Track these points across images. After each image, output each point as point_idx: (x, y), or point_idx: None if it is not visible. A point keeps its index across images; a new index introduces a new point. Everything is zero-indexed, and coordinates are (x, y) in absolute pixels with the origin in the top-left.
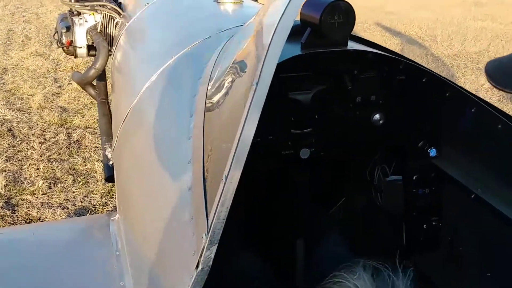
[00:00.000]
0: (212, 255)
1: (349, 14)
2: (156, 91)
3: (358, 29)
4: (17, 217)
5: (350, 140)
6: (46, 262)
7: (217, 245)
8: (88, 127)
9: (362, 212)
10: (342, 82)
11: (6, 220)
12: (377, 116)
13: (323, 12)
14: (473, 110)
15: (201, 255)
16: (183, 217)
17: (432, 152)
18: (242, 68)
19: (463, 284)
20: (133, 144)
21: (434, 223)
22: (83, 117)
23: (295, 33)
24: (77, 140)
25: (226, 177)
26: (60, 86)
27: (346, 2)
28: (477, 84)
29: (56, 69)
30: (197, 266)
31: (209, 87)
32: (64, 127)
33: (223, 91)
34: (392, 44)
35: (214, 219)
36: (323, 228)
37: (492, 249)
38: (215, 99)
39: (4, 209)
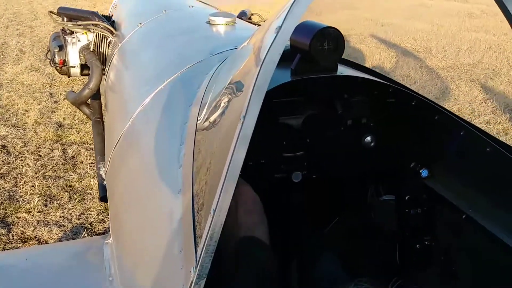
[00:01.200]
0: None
1: (339, 41)
2: (148, 116)
3: (354, 41)
4: (13, 236)
5: (342, 162)
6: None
7: (205, 279)
8: (84, 143)
9: (356, 232)
10: (333, 106)
11: (1, 239)
12: (368, 138)
13: (312, 38)
14: (461, 133)
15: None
16: (173, 248)
17: (424, 173)
18: (232, 97)
19: None
20: (125, 169)
21: (426, 242)
22: (78, 133)
23: (285, 58)
24: (72, 156)
25: (214, 211)
26: (55, 101)
27: (335, 28)
28: (470, 95)
29: (51, 83)
30: None
31: (199, 115)
32: (60, 143)
33: (214, 120)
34: (387, 56)
35: (203, 253)
36: (317, 248)
37: (482, 268)
38: (205, 127)
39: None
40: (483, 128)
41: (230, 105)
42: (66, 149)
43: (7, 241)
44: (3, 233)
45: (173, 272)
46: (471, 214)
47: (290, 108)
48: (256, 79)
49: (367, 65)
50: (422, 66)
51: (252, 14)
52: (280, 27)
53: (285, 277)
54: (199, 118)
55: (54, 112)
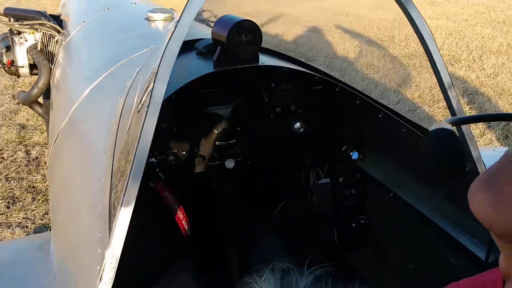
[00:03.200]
0: (113, 270)
1: (256, 33)
2: (82, 111)
3: (319, 32)
4: None
5: (274, 149)
6: None
7: (117, 260)
8: (48, 143)
9: (300, 215)
10: (260, 95)
11: None
12: (297, 124)
13: (229, 31)
14: (380, 116)
15: (103, 269)
16: (94, 233)
17: (355, 155)
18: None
19: (388, 277)
20: (59, 164)
21: (362, 221)
22: (42, 134)
23: (209, 51)
24: (36, 157)
25: (124, 195)
26: (18, 103)
27: (251, 21)
28: (431, 82)
29: (14, 85)
30: (100, 279)
31: (123, 106)
32: (23, 145)
33: (128, 111)
34: (351, 46)
35: (114, 234)
36: (260, 233)
37: (411, 243)
38: (124, 116)
39: None
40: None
41: (138, 96)
42: (30, 151)
43: None
44: None
45: (93, 256)
46: (397, 191)
47: (218, 99)
48: (158, 69)
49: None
50: (386, 54)
51: (204, 11)
52: (178, 21)
53: (225, 262)
54: (123, 109)
55: (17, 114)
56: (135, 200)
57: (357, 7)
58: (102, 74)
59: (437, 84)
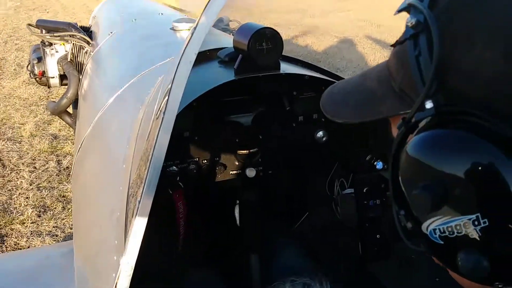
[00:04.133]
0: (128, 277)
1: (276, 40)
2: (106, 120)
3: (348, 43)
4: (6, 247)
5: (296, 158)
6: None
7: (133, 267)
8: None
9: (323, 226)
10: (281, 103)
11: None
12: (320, 133)
13: (250, 39)
14: None
15: (118, 277)
16: (111, 240)
17: (379, 165)
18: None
19: None
20: (82, 172)
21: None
22: (73, 144)
23: (231, 60)
24: (67, 167)
25: (139, 202)
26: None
27: (272, 29)
28: None
29: (48, 96)
30: (115, 287)
31: (143, 115)
32: (55, 155)
33: (148, 119)
34: (381, 56)
35: (130, 242)
36: (282, 243)
37: None
38: (143, 126)
39: None
40: None
41: (157, 104)
42: (61, 160)
43: (1, 252)
44: None
45: (109, 263)
46: None
47: (239, 107)
48: (174, 76)
49: (366, 65)
50: None
51: (231, 21)
52: (195, 28)
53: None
54: (143, 117)
55: (50, 124)
56: (150, 207)
57: (389, 17)
58: (125, 83)
59: None
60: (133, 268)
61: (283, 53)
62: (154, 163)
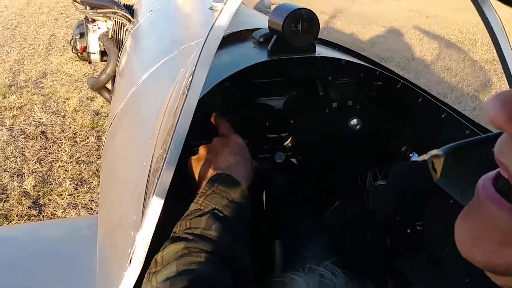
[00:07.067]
0: (143, 253)
1: (313, 22)
2: (137, 96)
3: (396, 33)
4: (43, 217)
5: (327, 145)
6: (37, 259)
7: (149, 243)
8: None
9: (353, 217)
10: (315, 88)
11: (33, 219)
12: (354, 121)
13: (285, 20)
14: (443, 116)
15: (133, 252)
16: (131, 216)
17: (414, 157)
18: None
19: None
20: (111, 147)
21: (418, 228)
22: None
23: (266, 41)
24: None
25: (158, 179)
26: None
27: (309, 10)
28: None
29: (93, 73)
30: (130, 262)
31: (172, 92)
32: (95, 130)
33: (176, 96)
34: (429, 48)
35: (146, 218)
36: (307, 231)
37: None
38: (171, 103)
39: (32, 209)
40: None
41: (184, 82)
42: (101, 136)
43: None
44: (35, 214)
45: (127, 238)
46: (458, 199)
47: (271, 89)
48: (200, 54)
49: (412, 55)
50: (465, 58)
51: (272, 4)
52: (224, 4)
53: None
54: (172, 94)
55: (93, 100)
56: (169, 185)
57: (439, 8)
58: (159, 61)
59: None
60: (149, 244)
61: (321, 37)
62: (175, 140)
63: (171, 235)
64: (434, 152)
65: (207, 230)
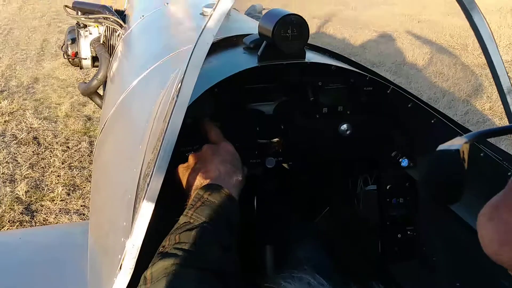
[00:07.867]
0: (133, 260)
1: (302, 28)
2: (127, 102)
3: (387, 38)
4: (35, 223)
5: (317, 150)
6: (29, 265)
7: (139, 249)
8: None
9: (343, 222)
10: (305, 94)
11: (25, 225)
12: (344, 126)
13: (275, 25)
14: (433, 121)
15: (123, 258)
16: (121, 222)
17: (404, 162)
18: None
19: None
20: (102, 152)
21: (409, 232)
22: None
23: (256, 46)
24: None
25: (148, 185)
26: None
27: (298, 16)
28: None
29: (85, 78)
30: (120, 268)
31: (162, 98)
32: (87, 135)
33: (166, 103)
34: (421, 53)
35: (136, 224)
36: (298, 237)
37: (460, 259)
38: (161, 109)
39: (24, 215)
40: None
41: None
42: (93, 141)
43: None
44: (27, 219)
45: (117, 244)
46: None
47: (262, 95)
48: (190, 59)
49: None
50: (457, 63)
51: (264, 9)
52: (214, 9)
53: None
54: (162, 100)
55: (85, 106)
56: (158, 191)
57: (431, 13)
58: (149, 67)
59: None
60: (139, 250)
61: (313, 42)
62: (165, 146)
63: (160, 250)
64: (461, 139)
65: (196, 245)
